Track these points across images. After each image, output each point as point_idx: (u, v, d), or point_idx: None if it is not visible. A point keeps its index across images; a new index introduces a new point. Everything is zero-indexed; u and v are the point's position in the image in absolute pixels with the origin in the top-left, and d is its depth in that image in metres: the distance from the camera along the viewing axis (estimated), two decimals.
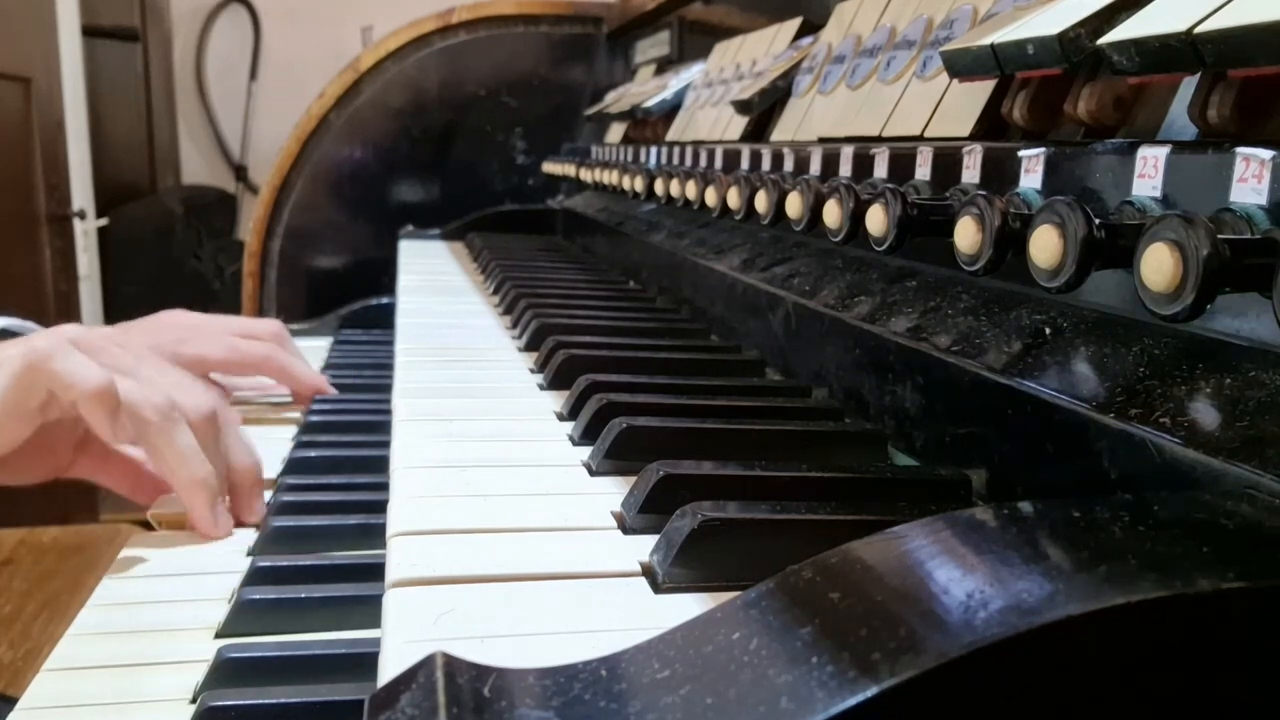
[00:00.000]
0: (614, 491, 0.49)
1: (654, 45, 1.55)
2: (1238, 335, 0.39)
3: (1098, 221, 0.39)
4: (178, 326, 0.88)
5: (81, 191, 2.91)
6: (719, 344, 0.82)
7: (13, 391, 0.62)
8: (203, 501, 0.66)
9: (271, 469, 0.79)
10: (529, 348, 0.82)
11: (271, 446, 0.82)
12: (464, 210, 1.69)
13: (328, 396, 0.96)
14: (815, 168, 0.73)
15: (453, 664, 0.27)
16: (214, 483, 0.67)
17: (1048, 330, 0.47)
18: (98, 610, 0.58)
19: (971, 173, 0.55)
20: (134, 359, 0.69)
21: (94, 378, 0.62)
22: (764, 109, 0.90)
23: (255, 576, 0.60)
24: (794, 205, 0.64)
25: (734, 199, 0.76)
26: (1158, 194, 0.42)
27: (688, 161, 1.00)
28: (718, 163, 0.92)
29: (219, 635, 0.55)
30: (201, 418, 0.67)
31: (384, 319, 1.28)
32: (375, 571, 0.47)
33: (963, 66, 0.54)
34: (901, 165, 0.62)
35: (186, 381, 0.71)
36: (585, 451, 0.55)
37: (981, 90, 0.59)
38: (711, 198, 0.82)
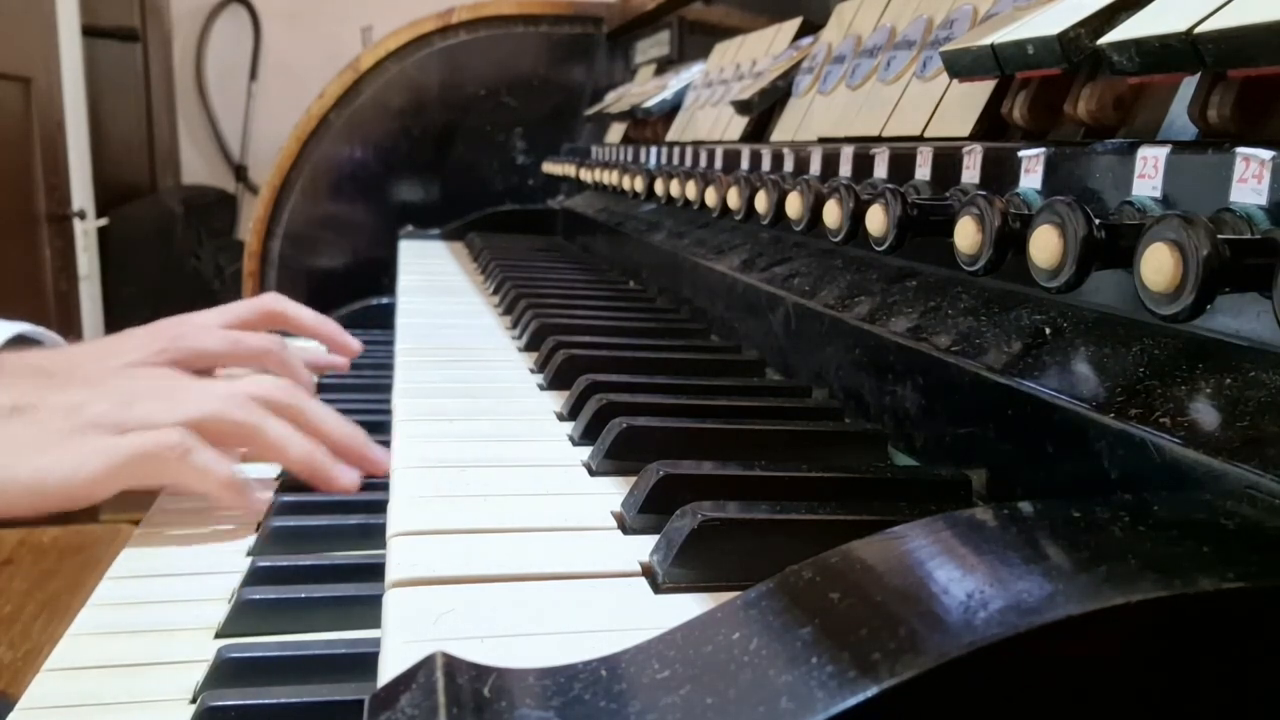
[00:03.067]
0: (614, 491, 0.49)
1: (654, 45, 1.55)
2: (1238, 335, 0.39)
3: (1098, 221, 0.40)
4: (181, 324, 0.89)
5: (81, 191, 2.91)
6: (719, 344, 0.82)
7: (122, 474, 0.64)
8: (321, 464, 0.70)
9: (271, 469, 0.79)
10: (529, 348, 0.82)
11: None
12: (464, 210, 1.69)
13: (327, 397, 0.96)
14: (815, 168, 0.73)
15: (453, 664, 0.27)
16: (321, 450, 0.71)
17: (1048, 330, 0.47)
18: (98, 610, 0.57)
19: (971, 173, 0.55)
20: (203, 386, 0.73)
21: (224, 471, 0.66)
22: (764, 109, 0.90)
23: (255, 576, 0.59)
24: (794, 205, 0.64)
25: (734, 199, 0.76)
26: (1158, 194, 0.42)
27: (688, 161, 1.00)
28: (718, 163, 0.92)
29: (219, 635, 0.55)
30: (280, 399, 0.72)
31: (384, 319, 1.28)
32: (375, 571, 0.47)
33: (963, 67, 0.54)
34: (901, 165, 0.62)
35: (249, 384, 0.75)
36: (585, 451, 0.55)
37: (981, 90, 0.59)
38: (711, 198, 0.82)
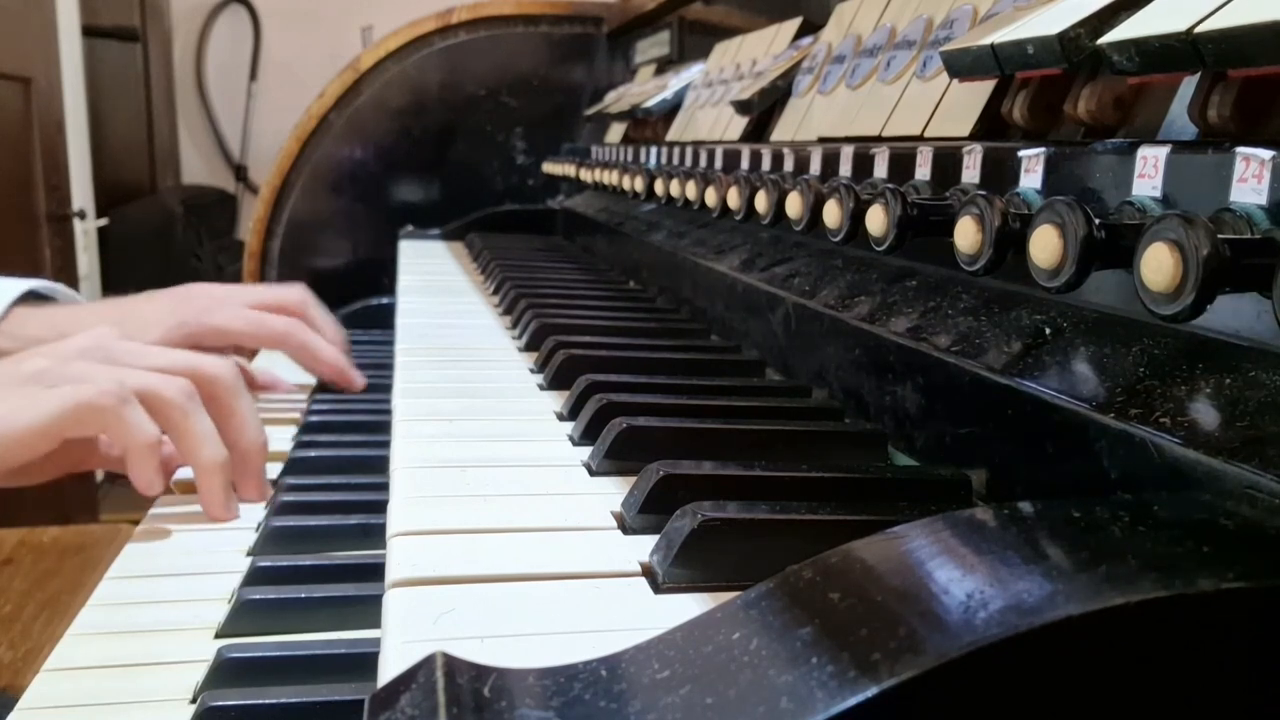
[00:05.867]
0: (614, 491, 0.49)
1: (654, 45, 1.55)
2: (1238, 335, 0.39)
3: (1098, 221, 0.39)
4: (205, 296, 0.88)
5: (81, 191, 2.91)
6: (719, 344, 0.82)
7: (57, 423, 0.63)
8: (218, 485, 0.69)
9: (272, 469, 0.79)
10: (529, 348, 0.82)
11: (272, 446, 0.82)
12: (464, 210, 1.69)
13: (327, 397, 0.96)
14: (815, 168, 0.73)
15: (453, 664, 0.27)
16: (227, 466, 0.70)
17: (1048, 330, 0.47)
18: (98, 610, 0.58)
19: (971, 173, 0.55)
20: (144, 351, 0.72)
21: (151, 434, 0.65)
22: (764, 109, 0.90)
23: (255, 576, 0.60)
24: (794, 205, 0.64)
25: (734, 199, 0.75)
26: (1158, 194, 0.42)
27: (688, 161, 1.00)
28: (718, 163, 0.92)
29: (219, 635, 0.55)
30: (218, 390, 0.71)
31: (384, 319, 1.28)
32: (375, 571, 0.47)
33: (963, 66, 0.54)
34: (901, 165, 0.62)
35: (198, 358, 0.74)
36: (585, 451, 0.55)
37: (981, 90, 0.59)
38: (711, 198, 0.82)
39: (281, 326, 0.89)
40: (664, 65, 1.47)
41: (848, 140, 0.71)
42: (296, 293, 0.96)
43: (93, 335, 0.72)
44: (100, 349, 0.70)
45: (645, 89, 1.34)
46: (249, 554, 0.65)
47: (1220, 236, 0.34)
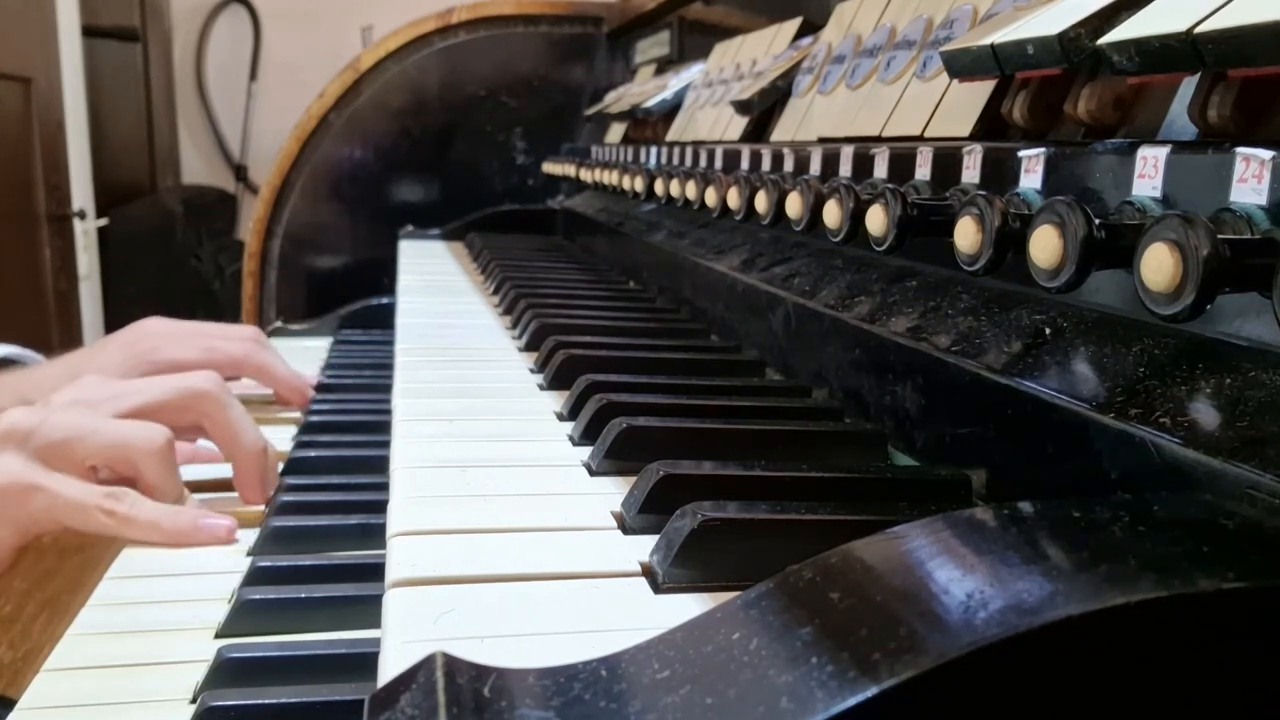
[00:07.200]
0: (614, 491, 0.49)
1: (654, 45, 1.55)
2: (1238, 335, 0.39)
3: (1098, 221, 0.39)
4: (154, 335, 0.88)
5: (81, 191, 2.92)
6: (719, 344, 0.82)
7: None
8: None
9: None
10: (529, 348, 0.82)
11: (272, 446, 0.82)
12: (464, 210, 1.69)
13: (327, 397, 0.96)
14: (815, 168, 0.73)
15: (453, 664, 0.27)
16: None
17: (1048, 330, 0.47)
18: (98, 610, 0.57)
19: (971, 173, 0.55)
20: (123, 392, 0.72)
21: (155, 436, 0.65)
22: (764, 109, 0.90)
23: (255, 576, 0.59)
24: (794, 205, 0.64)
25: (734, 199, 0.75)
26: (1158, 194, 0.42)
27: (688, 161, 1.00)
28: (718, 163, 0.92)
29: (219, 635, 0.55)
30: (209, 402, 0.72)
31: (384, 319, 1.28)
32: (375, 571, 0.47)
33: (963, 66, 0.54)
34: (901, 165, 0.62)
35: (181, 380, 0.74)
36: (585, 451, 0.55)
37: (981, 90, 0.59)
38: (711, 198, 0.82)
39: (238, 350, 0.90)
40: (664, 65, 1.47)
41: (848, 140, 0.71)
42: (249, 329, 0.97)
43: (78, 386, 0.71)
44: (85, 400, 0.70)
45: (645, 89, 1.34)
46: (249, 554, 0.65)
47: (1220, 236, 0.34)
